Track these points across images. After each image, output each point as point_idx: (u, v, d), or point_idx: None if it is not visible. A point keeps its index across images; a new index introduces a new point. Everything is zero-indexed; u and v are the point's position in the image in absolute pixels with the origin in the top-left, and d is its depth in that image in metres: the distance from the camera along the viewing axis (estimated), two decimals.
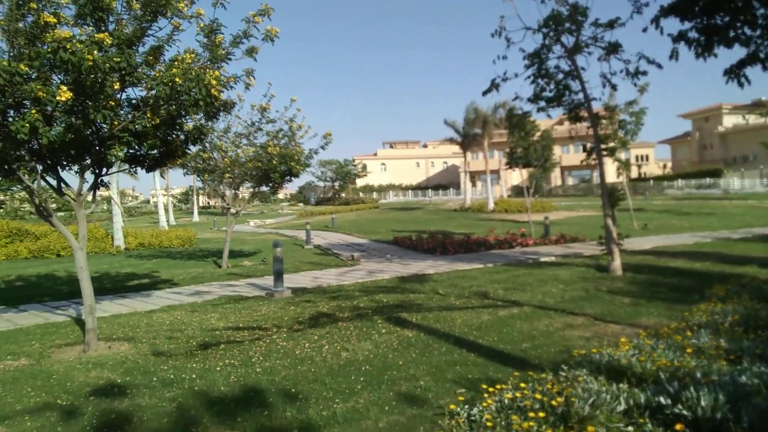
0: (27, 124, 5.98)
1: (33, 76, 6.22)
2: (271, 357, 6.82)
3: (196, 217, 62.58)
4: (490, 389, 4.76)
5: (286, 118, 16.33)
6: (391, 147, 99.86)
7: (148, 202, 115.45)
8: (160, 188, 50.30)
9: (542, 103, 13.24)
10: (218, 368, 6.43)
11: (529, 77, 13.10)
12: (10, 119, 6.32)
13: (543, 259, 16.12)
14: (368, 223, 38.00)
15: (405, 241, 22.84)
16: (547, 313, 8.68)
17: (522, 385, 4.74)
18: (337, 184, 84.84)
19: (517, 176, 69.23)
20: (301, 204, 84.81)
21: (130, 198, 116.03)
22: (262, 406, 5.18)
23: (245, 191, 19.02)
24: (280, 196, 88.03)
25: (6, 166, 7.07)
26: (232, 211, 18.54)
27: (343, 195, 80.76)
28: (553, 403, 4.13)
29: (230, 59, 7.10)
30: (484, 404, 4.44)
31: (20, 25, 6.16)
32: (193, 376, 6.17)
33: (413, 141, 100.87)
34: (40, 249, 23.61)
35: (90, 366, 6.70)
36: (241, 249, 23.61)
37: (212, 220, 53.48)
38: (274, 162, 15.78)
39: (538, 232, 22.79)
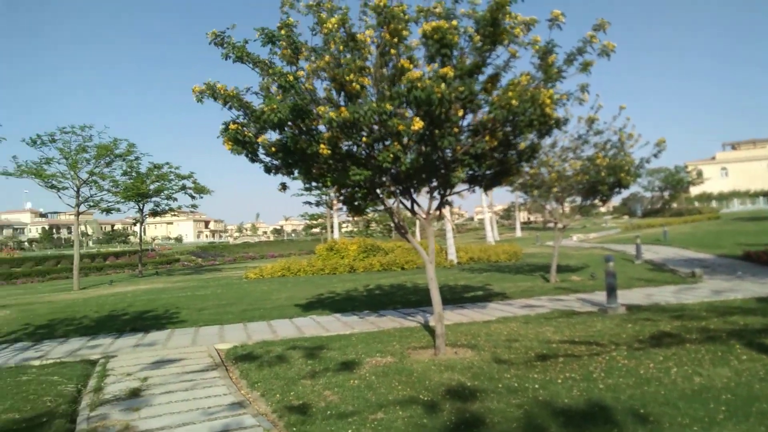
0: (391, 155, 7.02)
1: (393, 113, 7.25)
2: (613, 374, 6.64)
3: (518, 233, 64.07)
4: None
5: (615, 128, 15.72)
6: (734, 148, 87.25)
7: (471, 219, 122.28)
8: (486, 205, 52.80)
9: None
10: (559, 380, 6.52)
11: None
12: (377, 151, 7.48)
13: None
14: (707, 235, 33.97)
15: (760, 255, 19.82)
16: None
17: None
18: (666, 193, 77.86)
19: None
20: (625, 217, 79.95)
21: (457, 216, 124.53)
22: (609, 422, 5.10)
23: (568, 206, 18.78)
24: (602, 209, 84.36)
25: (373, 191, 8.37)
26: (559, 225, 18.51)
27: (674, 205, 73.82)
28: None
29: (564, 77, 7.22)
30: None
31: (384, 71, 7.26)
32: (536, 386, 6.37)
33: (762, 140, 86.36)
34: (388, 263, 27.13)
35: (442, 368, 7.43)
36: (567, 264, 23.37)
37: (534, 235, 54.09)
38: (603, 174, 15.31)
39: None
